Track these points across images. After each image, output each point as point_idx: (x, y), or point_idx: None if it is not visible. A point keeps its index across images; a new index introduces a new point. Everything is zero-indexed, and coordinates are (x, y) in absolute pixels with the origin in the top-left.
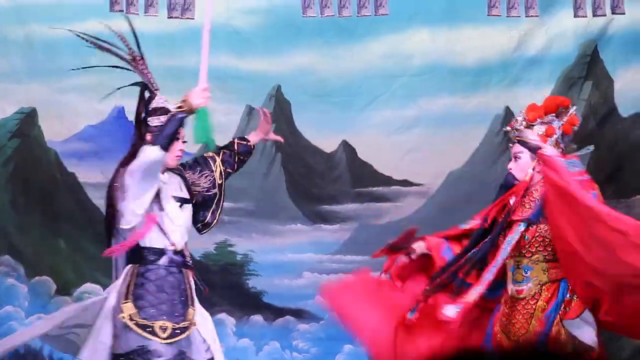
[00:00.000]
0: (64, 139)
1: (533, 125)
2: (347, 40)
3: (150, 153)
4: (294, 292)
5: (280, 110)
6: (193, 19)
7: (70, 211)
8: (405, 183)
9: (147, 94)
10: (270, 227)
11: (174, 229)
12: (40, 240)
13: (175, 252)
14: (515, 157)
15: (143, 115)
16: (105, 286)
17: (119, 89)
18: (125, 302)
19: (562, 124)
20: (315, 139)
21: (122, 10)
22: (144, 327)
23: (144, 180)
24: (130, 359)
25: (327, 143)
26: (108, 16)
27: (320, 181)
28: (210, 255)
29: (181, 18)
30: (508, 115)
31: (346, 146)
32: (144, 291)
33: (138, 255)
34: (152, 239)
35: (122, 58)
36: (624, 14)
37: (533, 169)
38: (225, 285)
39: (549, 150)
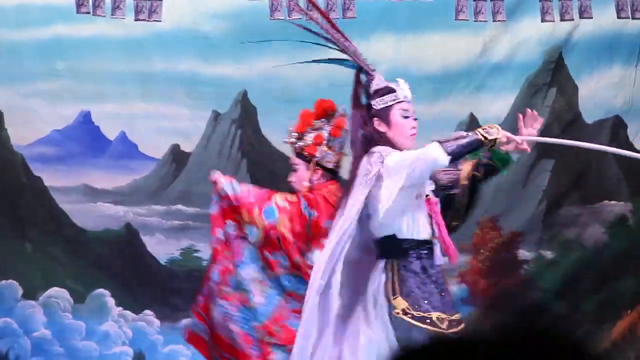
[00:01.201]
0: (30, 143)
1: (304, 135)
2: (313, 45)
3: (439, 155)
4: None
5: (247, 115)
6: (160, 21)
7: (36, 215)
8: None
9: (362, 77)
10: None
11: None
12: (6, 244)
13: (421, 241)
14: (294, 169)
15: (364, 99)
16: (71, 290)
17: (329, 61)
18: (395, 298)
19: (330, 129)
20: (281, 145)
21: (88, 13)
22: (422, 320)
23: (409, 178)
24: None
25: None
26: (74, 18)
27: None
28: (176, 261)
29: (148, 20)
30: (472, 122)
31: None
32: (410, 285)
33: (395, 249)
34: (407, 230)
35: (331, 40)
36: (591, 18)
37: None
38: (191, 291)
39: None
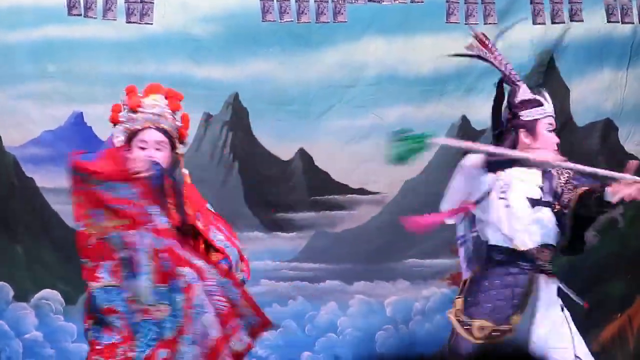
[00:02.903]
0: (22, 144)
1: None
2: (304, 49)
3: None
4: None
5: (238, 118)
6: (151, 24)
7: (27, 217)
8: (362, 191)
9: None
10: None
11: (520, 228)
12: None
13: (520, 253)
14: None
15: (508, 108)
16: (63, 292)
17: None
18: (458, 297)
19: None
20: (272, 147)
21: (80, 15)
22: (463, 324)
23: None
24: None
25: (284, 151)
26: (66, 20)
27: (277, 189)
28: None
29: (139, 23)
30: (464, 124)
31: (303, 154)
32: (475, 287)
33: (486, 253)
34: (497, 237)
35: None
36: (582, 21)
37: None
38: None
39: None
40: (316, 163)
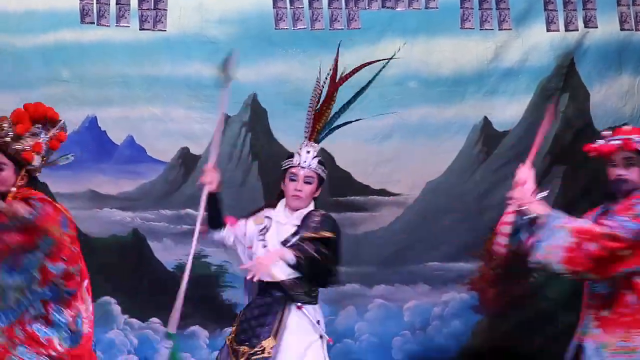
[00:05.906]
0: None
1: (21, 138)
2: (322, 50)
3: None
4: None
5: (257, 118)
6: (165, 30)
7: None
8: (383, 192)
9: None
10: None
11: None
12: None
13: (268, 284)
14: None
15: None
16: None
17: None
18: (232, 326)
19: (48, 139)
20: (292, 147)
21: (93, 22)
22: (232, 350)
23: None
24: None
25: None
26: (79, 27)
27: None
28: (184, 267)
29: (153, 30)
30: (486, 126)
31: (324, 154)
32: (243, 317)
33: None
34: None
35: None
36: (596, 27)
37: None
38: (199, 298)
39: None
40: (337, 163)
